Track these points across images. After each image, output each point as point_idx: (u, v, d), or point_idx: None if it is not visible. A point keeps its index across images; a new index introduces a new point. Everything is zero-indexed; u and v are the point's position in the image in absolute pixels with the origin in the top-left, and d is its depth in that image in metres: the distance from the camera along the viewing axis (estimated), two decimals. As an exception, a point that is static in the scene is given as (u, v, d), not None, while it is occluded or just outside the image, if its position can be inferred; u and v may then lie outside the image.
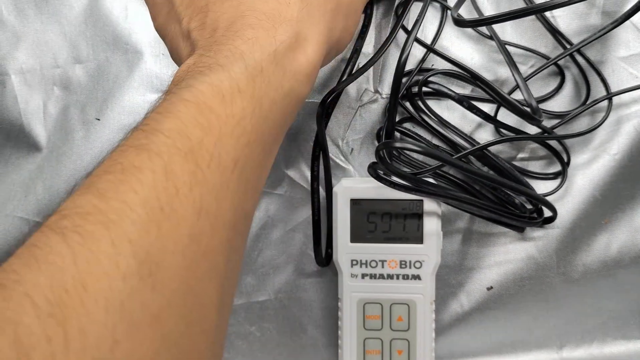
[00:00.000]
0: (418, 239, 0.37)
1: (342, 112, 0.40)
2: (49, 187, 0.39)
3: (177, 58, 0.31)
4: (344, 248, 0.37)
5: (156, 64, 0.40)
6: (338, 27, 0.31)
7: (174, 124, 0.23)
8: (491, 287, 0.40)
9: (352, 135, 0.40)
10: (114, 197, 0.20)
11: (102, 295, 0.19)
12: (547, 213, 0.38)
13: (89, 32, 0.40)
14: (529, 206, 0.38)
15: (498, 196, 0.38)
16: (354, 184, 0.38)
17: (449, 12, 0.39)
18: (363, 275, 0.37)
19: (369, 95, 0.39)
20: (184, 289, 0.21)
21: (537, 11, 0.33)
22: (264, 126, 0.25)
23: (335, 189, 0.37)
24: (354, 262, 0.37)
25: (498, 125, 0.39)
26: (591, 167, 0.39)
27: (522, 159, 0.39)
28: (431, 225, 0.37)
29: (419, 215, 0.37)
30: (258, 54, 0.26)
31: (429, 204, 0.37)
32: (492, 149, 0.38)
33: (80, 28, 0.40)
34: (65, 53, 0.40)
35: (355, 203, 0.37)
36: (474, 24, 0.36)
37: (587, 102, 0.39)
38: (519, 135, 0.38)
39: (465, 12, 0.39)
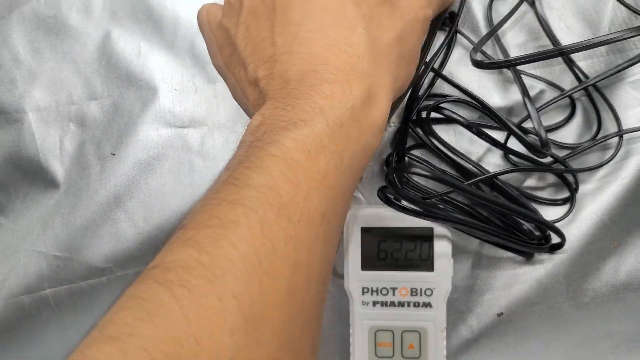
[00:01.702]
0: (429, 266, 0.37)
1: (351, 141, 0.40)
2: (66, 222, 0.40)
3: (240, 99, 0.31)
4: (355, 275, 0.38)
5: (169, 100, 0.41)
6: (402, 75, 0.31)
7: (264, 180, 0.23)
8: (501, 314, 0.40)
9: (361, 164, 0.40)
10: (215, 252, 0.21)
11: (215, 351, 0.19)
12: (555, 239, 0.38)
13: (103, 70, 0.41)
14: (537, 232, 0.38)
15: (506, 222, 0.38)
16: (365, 212, 0.38)
17: (457, 35, 0.39)
18: (374, 303, 0.38)
19: (377, 124, 0.40)
20: (284, 343, 0.22)
21: (562, 54, 0.33)
22: (344, 180, 0.26)
23: (346, 218, 0.38)
24: (365, 290, 0.38)
25: (507, 151, 0.39)
26: (600, 191, 0.39)
27: (530, 186, 0.40)
28: (442, 253, 0.37)
29: (429, 243, 0.37)
30: (337, 109, 0.26)
31: (440, 231, 0.37)
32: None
33: (94, 65, 0.41)
34: (80, 90, 0.41)
35: (365, 231, 0.38)
36: (493, 66, 0.37)
37: (598, 137, 0.39)
38: (530, 167, 0.38)
39: (471, 34, 0.40)
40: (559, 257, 0.39)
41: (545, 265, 0.40)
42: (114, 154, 0.40)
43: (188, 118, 0.41)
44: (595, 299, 0.39)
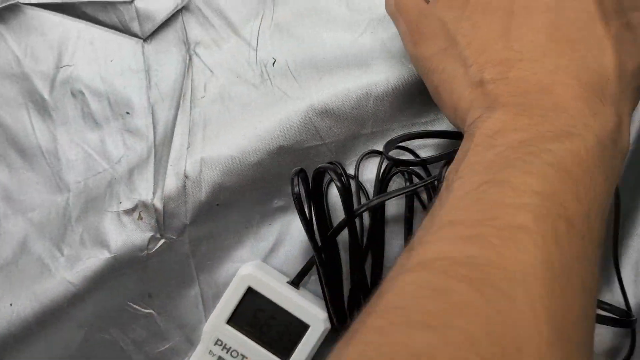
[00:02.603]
0: (285, 355, 0.37)
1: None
2: None
3: (445, 97, 0.29)
4: (218, 324, 0.37)
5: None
6: (635, 106, 0.29)
7: (546, 188, 0.22)
8: None
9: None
10: (510, 255, 0.20)
11: None
12: None
13: None
14: None
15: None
16: (260, 276, 0.37)
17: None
18: (219, 359, 0.37)
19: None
20: None
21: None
22: (607, 204, 0.24)
23: (241, 270, 0.38)
24: (219, 342, 0.37)
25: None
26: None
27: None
28: (304, 350, 0.37)
29: (298, 336, 0.37)
30: (601, 129, 0.24)
31: (315, 330, 0.37)
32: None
33: None
34: None
35: (250, 292, 0.37)
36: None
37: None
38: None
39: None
40: None
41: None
42: None
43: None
44: None
